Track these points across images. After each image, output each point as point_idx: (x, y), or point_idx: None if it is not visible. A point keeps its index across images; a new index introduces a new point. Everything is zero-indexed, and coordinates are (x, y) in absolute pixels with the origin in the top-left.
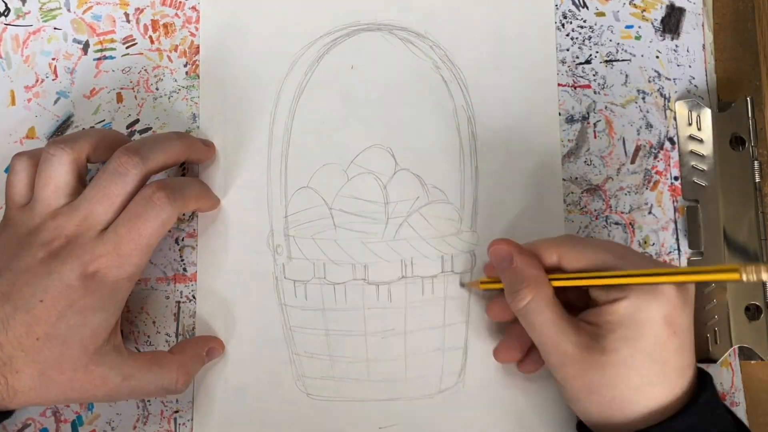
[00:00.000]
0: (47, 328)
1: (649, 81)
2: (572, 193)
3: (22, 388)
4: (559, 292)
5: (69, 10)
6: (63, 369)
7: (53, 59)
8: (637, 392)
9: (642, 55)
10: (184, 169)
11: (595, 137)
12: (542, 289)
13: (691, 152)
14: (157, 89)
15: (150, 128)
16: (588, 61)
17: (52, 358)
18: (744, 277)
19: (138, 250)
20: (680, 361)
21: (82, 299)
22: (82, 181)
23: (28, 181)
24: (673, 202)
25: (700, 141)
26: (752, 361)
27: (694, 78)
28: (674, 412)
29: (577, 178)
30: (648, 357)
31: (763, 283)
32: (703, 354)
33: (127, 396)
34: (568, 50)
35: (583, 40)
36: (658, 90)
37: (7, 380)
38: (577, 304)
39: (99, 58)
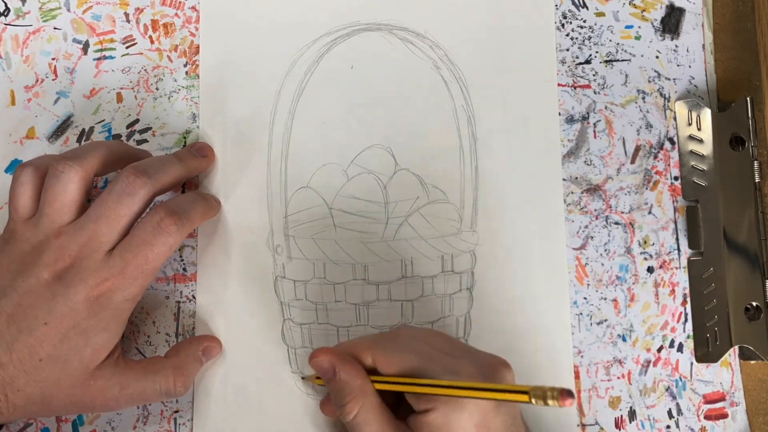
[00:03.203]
0: (50, 349)
1: (649, 81)
2: (572, 193)
3: (22, 404)
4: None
5: (69, 10)
6: (62, 386)
7: (53, 59)
8: None
9: (642, 55)
10: None
11: (595, 137)
12: (368, 399)
13: (691, 152)
14: (157, 89)
15: (150, 128)
16: (588, 61)
17: (53, 378)
18: (533, 401)
19: (144, 273)
20: None
21: (85, 321)
22: (88, 197)
23: (33, 194)
24: (673, 202)
25: (700, 141)
26: (752, 361)
27: (694, 78)
28: None
29: (577, 178)
30: None
31: (763, 283)
32: (703, 354)
33: (127, 404)
34: (568, 50)
35: (583, 40)
36: (658, 90)
37: (8, 398)
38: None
39: (99, 58)
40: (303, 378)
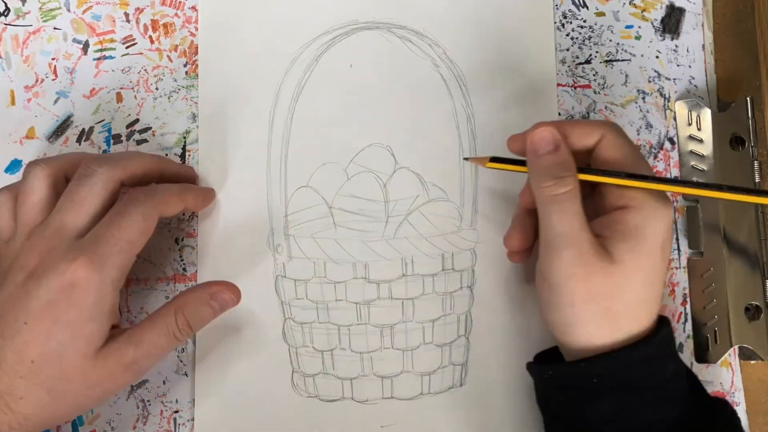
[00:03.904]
0: (39, 349)
1: (649, 81)
2: None
3: (31, 411)
4: None
5: (69, 10)
6: (70, 378)
7: (53, 59)
8: (629, 309)
9: (642, 55)
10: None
11: None
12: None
13: (691, 152)
14: (156, 89)
15: (150, 128)
16: (588, 61)
17: (55, 374)
18: None
19: (117, 248)
20: (660, 289)
21: (65, 314)
22: (58, 197)
23: (11, 215)
24: (673, 202)
25: (700, 141)
26: (752, 361)
27: (694, 78)
28: (638, 340)
29: None
30: (645, 276)
31: (763, 283)
32: (703, 354)
33: (146, 361)
34: (568, 50)
35: (583, 40)
36: (658, 90)
37: (12, 409)
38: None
39: (99, 58)
40: (466, 159)
